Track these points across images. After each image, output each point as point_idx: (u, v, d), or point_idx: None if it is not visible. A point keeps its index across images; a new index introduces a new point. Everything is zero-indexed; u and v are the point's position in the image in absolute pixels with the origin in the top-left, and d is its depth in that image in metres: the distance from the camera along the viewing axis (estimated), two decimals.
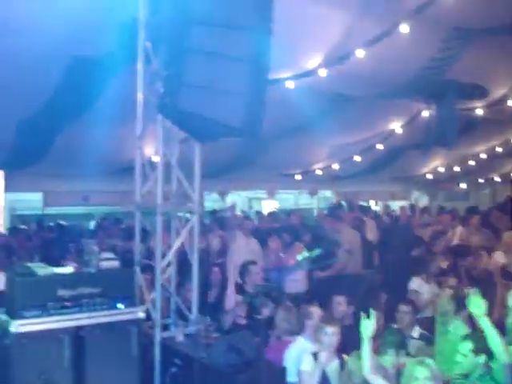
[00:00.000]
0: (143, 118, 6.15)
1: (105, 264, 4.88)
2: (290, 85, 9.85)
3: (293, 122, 11.81)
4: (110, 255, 5.10)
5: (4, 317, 4.59)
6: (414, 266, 8.70)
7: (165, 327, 6.09)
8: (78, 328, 4.66)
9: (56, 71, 8.86)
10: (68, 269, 4.85)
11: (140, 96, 6.11)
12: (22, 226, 13.21)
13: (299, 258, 5.06)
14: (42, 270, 4.65)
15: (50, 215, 14.41)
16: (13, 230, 12.51)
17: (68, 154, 11.32)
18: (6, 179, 12.98)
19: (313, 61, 9.57)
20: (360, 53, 8.90)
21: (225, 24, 5.27)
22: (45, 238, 11.25)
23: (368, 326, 4.46)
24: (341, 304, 6.30)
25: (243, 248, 9.05)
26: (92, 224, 14.70)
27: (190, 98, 5.21)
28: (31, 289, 4.52)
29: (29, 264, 4.85)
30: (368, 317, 4.47)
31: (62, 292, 4.56)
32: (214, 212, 13.09)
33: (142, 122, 6.16)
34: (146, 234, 6.67)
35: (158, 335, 5.84)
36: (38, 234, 11.83)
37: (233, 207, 9.94)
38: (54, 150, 11.33)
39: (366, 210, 13.80)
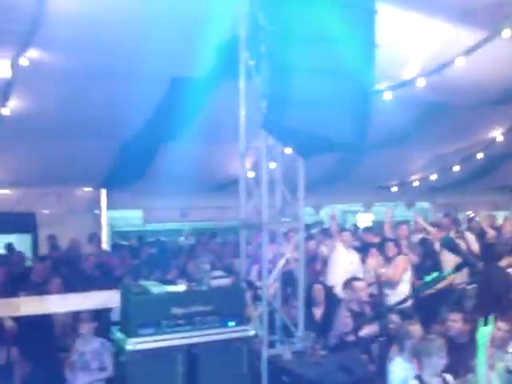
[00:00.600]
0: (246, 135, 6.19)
1: (216, 282, 4.92)
2: (388, 96, 9.69)
3: (389, 133, 11.60)
4: (221, 273, 5.14)
5: (120, 335, 4.70)
6: None
7: (270, 344, 6.07)
8: (191, 346, 4.70)
9: (156, 92, 9.14)
10: (180, 287, 4.92)
11: (242, 113, 6.15)
12: (124, 243, 13.69)
13: (428, 278, 4.88)
14: (155, 288, 4.73)
15: (150, 231, 14.81)
16: (115, 246, 12.93)
17: (166, 171, 11.59)
18: (108, 197, 13.47)
19: (410, 71, 9.38)
20: (460, 61, 8.64)
21: (328, 39, 5.24)
22: (146, 254, 11.52)
23: (485, 332, 4.25)
24: (456, 321, 6.04)
25: (343, 259, 8.97)
26: (184, 240, 14.97)
27: (295, 114, 5.20)
28: (146, 307, 4.61)
29: (142, 282, 4.96)
30: (486, 324, 4.27)
31: (176, 310, 4.61)
32: (308, 226, 13.02)
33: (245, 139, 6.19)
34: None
35: (265, 352, 5.82)
36: (139, 250, 12.14)
37: (333, 216, 9.80)
38: (153, 167, 11.68)
39: (465, 221, 13.30)
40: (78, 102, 8.84)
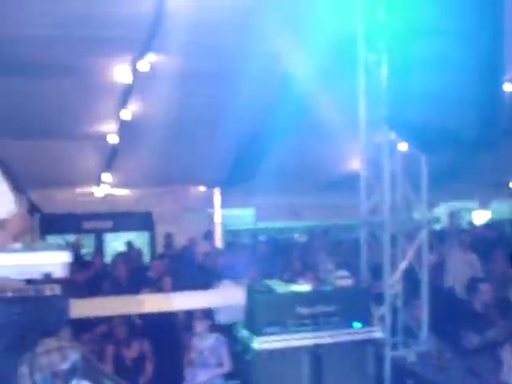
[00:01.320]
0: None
1: (340, 282, 4.87)
2: (509, 88, 9.20)
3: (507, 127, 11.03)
4: (345, 273, 5.08)
5: (246, 333, 4.74)
6: None
7: (392, 346, 5.93)
8: (316, 346, 4.67)
9: (270, 90, 9.18)
10: (305, 286, 4.90)
11: (363, 110, 6.03)
12: (236, 241, 13.88)
13: None
14: (280, 287, 4.75)
15: (261, 230, 14.92)
16: (229, 245, 13.13)
17: (279, 169, 11.63)
18: (221, 196, 13.73)
19: None
20: None
21: (451, 31, 5.03)
22: (260, 252, 11.60)
23: None
24: None
25: (460, 262, 8.62)
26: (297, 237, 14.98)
27: (418, 109, 5.04)
28: (271, 306, 4.62)
29: (266, 281, 4.98)
30: None
31: (301, 310, 4.60)
32: None
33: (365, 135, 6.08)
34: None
35: (389, 354, 5.70)
36: (252, 248, 12.24)
37: (454, 215, 9.45)
38: (265, 166, 11.76)
39: None
40: (194, 103, 9.05)
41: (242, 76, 8.30)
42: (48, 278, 2.89)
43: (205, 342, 6.59)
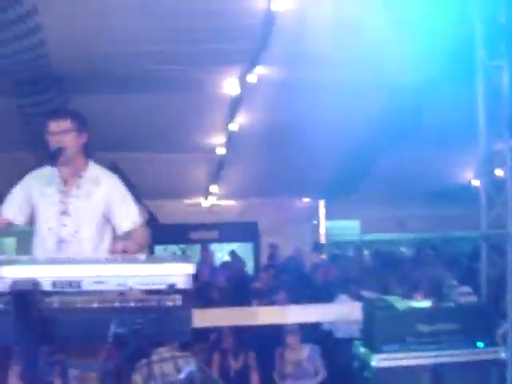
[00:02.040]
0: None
1: (464, 298, 4.63)
2: None
3: None
4: (468, 289, 4.83)
5: (363, 349, 4.60)
6: None
7: None
8: (437, 365, 4.45)
9: (377, 99, 9.00)
10: (425, 303, 4.71)
11: (482, 116, 5.74)
12: (340, 253, 13.68)
13: None
14: (399, 303, 4.58)
15: (366, 242, 14.65)
16: (333, 257, 12.97)
17: (384, 180, 11.39)
18: (326, 207, 13.62)
19: None
20: None
21: None
22: (366, 265, 11.37)
23: None
24: None
25: None
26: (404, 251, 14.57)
27: None
28: (391, 323, 4.46)
29: (385, 297, 4.83)
30: None
31: (421, 327, 4.41)
32: None
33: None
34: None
35: (511, 376, 5.35)
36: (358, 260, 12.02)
37: None
38: (370, 177, 11.56)
39: None
40: (299, 114, 9.01)
41: (349, 86, 8.19)
42: (171, 289, 2.89)
43: (300, 354, 6.56)
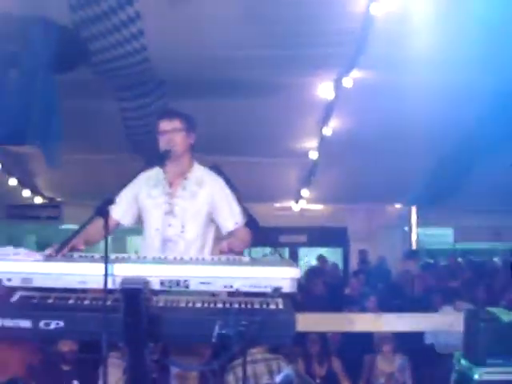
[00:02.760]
0: None
1: None
2: None
3: None
4: None
5: (464, 362, 4.45)
6: None
7: None
8: None
9: (477, 105, 8.71)
10: None
11: None
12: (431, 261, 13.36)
13: None
14: (504, 315, 4.40)
15: (459, 250, 14.24)
16: (426, 265, 12.67)
17: (480, 187, 11.01)
18: (418, 214, 13.31)
19: None
20: None
21: None
22: (462, 274, 11.03)
23: None
24: None
25: None
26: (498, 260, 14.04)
27: None
28: (496, 335, 4.29)
29: (489, 308, 4.65)
30: None
31: None
32: None
33: None
34: None
35: None
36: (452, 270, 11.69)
37: None
38: (466, 183, 11.20)
39: None
40: (393, 119, 8.85)
41: (447, 89, 7.97)
42: (277, 292, 2.90)
43: (393, 364, 6.44)
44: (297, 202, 12.34)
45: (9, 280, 2.88)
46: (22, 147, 8.88)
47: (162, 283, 2.87)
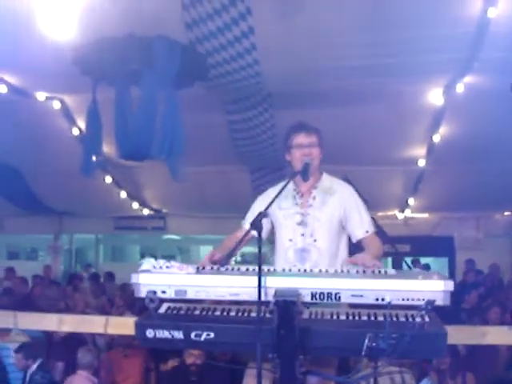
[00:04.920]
0: None
1: None
2: None
3: None
4: None
5: None
6: None
7: None
8: None
9: None
10: None
11: None
12: None
13: None
14: None
15: None
16: None
17: None
18: None
19: None
20: None
21: None
22: None
23: None
24: None
25: None
26: None
27: None
28: None
29: None
30: None
31: None
32: None
33: None
34: None
35: None
36: None
37: None
38: None
39: None
40: (508, 125, 8.54)
41: None
42: (430, 305, 2.86)
43: None
44: (402, 210, 12.13)
45: (163, 292, 2.98)
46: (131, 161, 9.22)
47: (313, 296, 2.89)
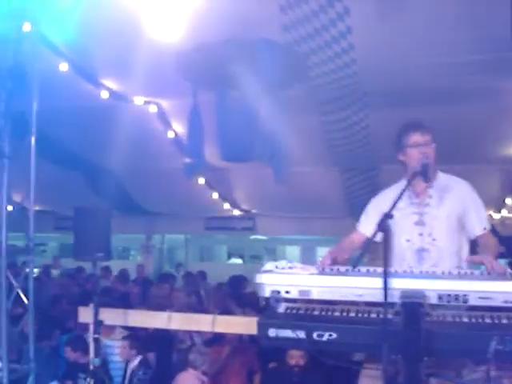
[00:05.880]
0: None
1: None
2: None
3: None
4: None
5: None
6: None
7: None
8: None
9: None
10: None
11: None
12: None
13: None
14: None
15: None
16: None
17: None
18: None
19: None
20: None
21: None
22: None
23: None
24: None
25: None
26: None
27: None
28: None
29: None
30: None
31: None
32: None
33: None
34: None
35: None
36: None
37: None
38: None
39: None
40: None
41: None
42: None
43: None
44: (499, 210, 11.75)
45: (287, 292, 3.02)
46: (223, 163, 9.34)
47: (439, 297, 2.85)
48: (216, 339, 7.37)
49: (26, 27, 6.35)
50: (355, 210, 12.77)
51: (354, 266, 3.11)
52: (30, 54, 6.32)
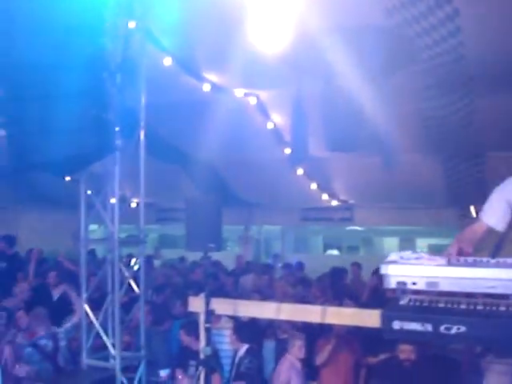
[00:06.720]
0: None
1: None
2: None
3: None
4: None
5: None
6: None
7: None
8: None
9: None
10: None
11: None
12: None
13: None
14: None
15: None
16: None
17: None
18: None
19: None
20: None
21: None
22: None
23: None
24: None
25: None
26: None
27: None
28: None
29: None
30: None
31: None
32: None
33: None
34: None
35: None
36: None
37: None
38: None
39: None
40: None
41: None
42: None
43: None
44: None
45: (414, 284, 2.94)
46: (322, 153, 9.26)
47: None
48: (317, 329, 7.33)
49: (132, 24, 6.53)
50: (459, 200, 12.35)
51: (493, 257, 2.99)
52: (137, 49, 6.49)
